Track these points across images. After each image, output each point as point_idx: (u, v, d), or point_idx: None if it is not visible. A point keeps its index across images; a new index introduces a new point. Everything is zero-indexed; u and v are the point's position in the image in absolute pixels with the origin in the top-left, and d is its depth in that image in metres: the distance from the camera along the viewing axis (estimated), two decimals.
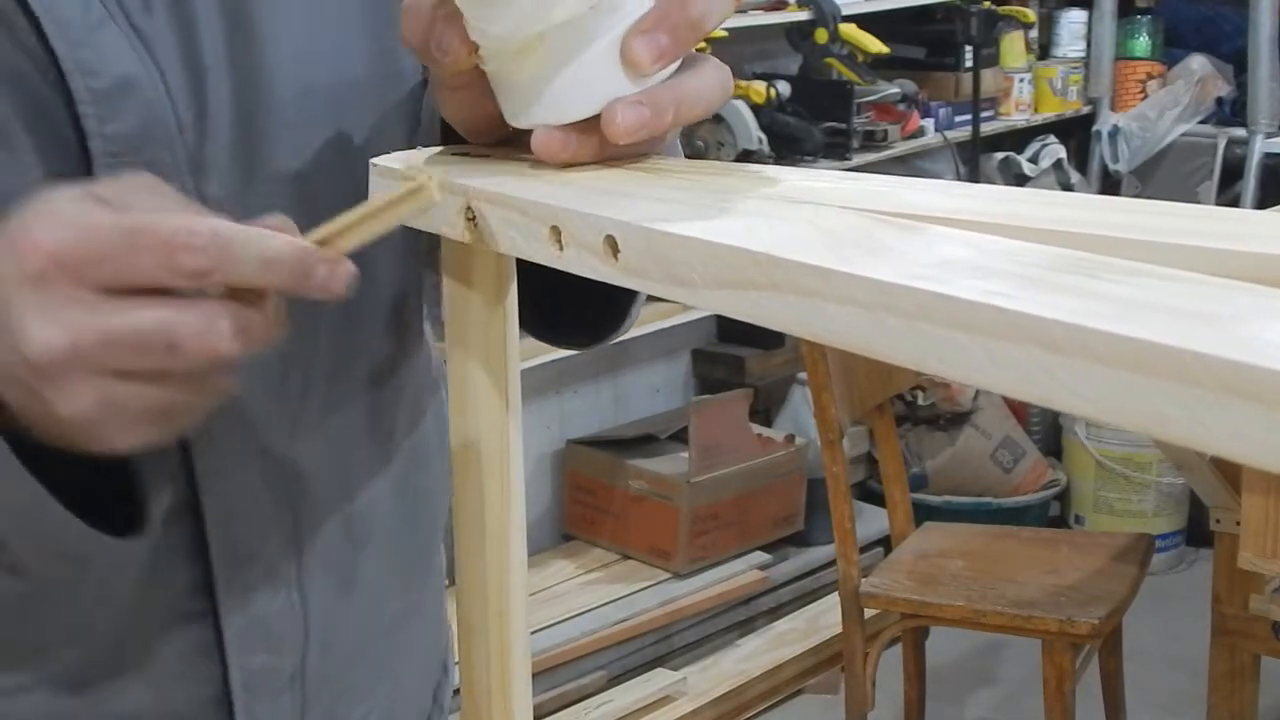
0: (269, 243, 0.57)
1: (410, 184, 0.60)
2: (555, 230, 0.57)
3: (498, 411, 0.68)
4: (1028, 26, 4.03)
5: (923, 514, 3.02)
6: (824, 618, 3.22)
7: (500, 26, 0.61)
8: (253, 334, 0.58)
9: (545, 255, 0.58)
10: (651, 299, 0.63)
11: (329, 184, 0.73)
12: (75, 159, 0.67)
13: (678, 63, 0.64)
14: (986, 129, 3.92)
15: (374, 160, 0.68)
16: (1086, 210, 0.55)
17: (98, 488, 0.65)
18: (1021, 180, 4.05)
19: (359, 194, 0.67)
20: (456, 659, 0.75)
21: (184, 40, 0.69)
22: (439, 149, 0.71)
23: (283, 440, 0.77)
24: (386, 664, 0.87)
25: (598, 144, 0.64)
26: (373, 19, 0.76)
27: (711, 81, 0.66)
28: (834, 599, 2.94)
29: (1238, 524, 2.03)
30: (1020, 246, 0.49)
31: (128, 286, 0.56)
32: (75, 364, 0.56)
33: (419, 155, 0.70)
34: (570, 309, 0.83)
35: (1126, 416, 0.40)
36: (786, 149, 3.35)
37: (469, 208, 0.62)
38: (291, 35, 0.73)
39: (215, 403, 0.61)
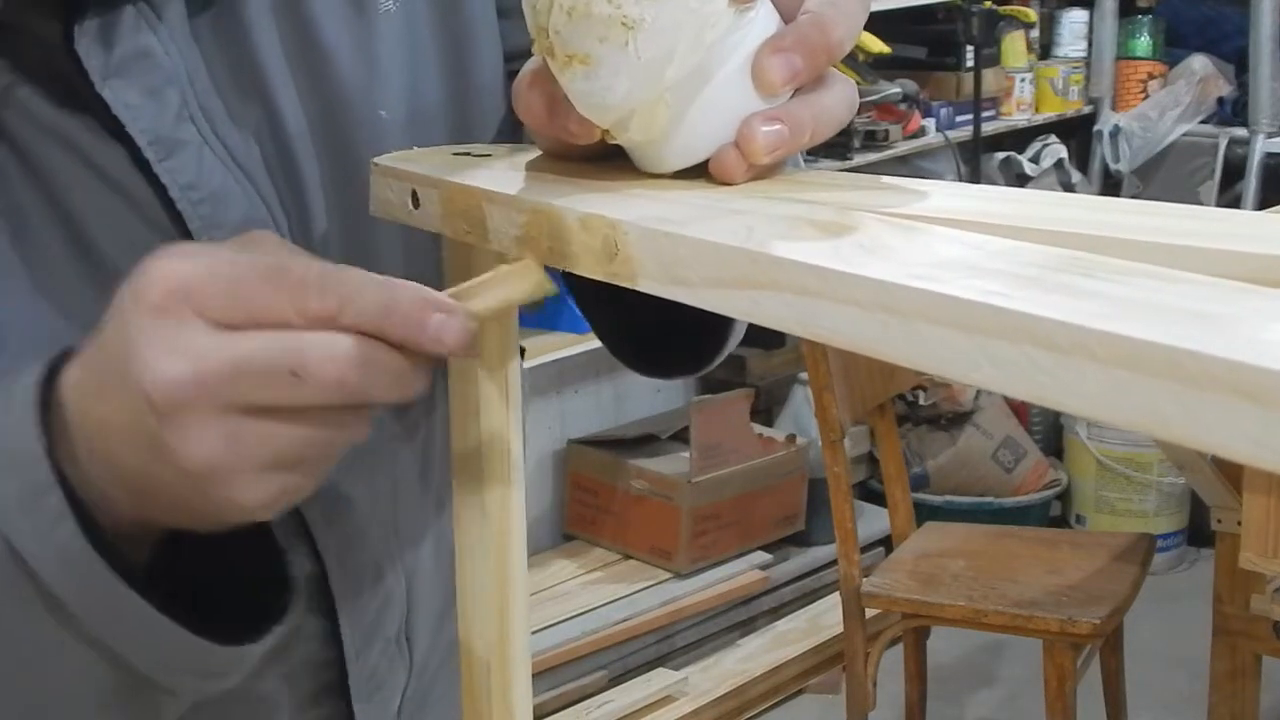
0: (393, 288, 0.55)
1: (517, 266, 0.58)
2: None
3: (498, 410, 0.68)
4: (1029, 26, 4.03)
5: (924, 514, 3.02)
6: (825, 617, 3.22)
7: (609, 116, 0.58)
8: (379, 368, 0.55)
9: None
10: None
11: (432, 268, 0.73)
12: None
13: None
14: (988, 129, 3.92)
15: (375, 160, 0.68)
16: (1084, 210, 0.55)
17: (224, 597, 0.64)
18: (1023, 180, 4.05)
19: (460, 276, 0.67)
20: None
21: (286, 165, 0.72)
22: (439, 148, 0.71)
23: (390, 496, 0.80)
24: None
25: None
26: (457, 99, 0.78)
27: (844, 99, 0.62)
28: (835, 599, 2.94)
29: (1239, 524, 2.03)
30: (1018, 246, 0.49)
31: (251, 324, 0.54)
32: (198, 397, 0.54)
33: (419, 154, 0.70)
34: (668, 339, 0.82)
35: (1123, 416, 0.40)
36: None
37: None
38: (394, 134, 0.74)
39: (345, 445, 0.57)
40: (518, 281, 0.58)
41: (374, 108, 0.74)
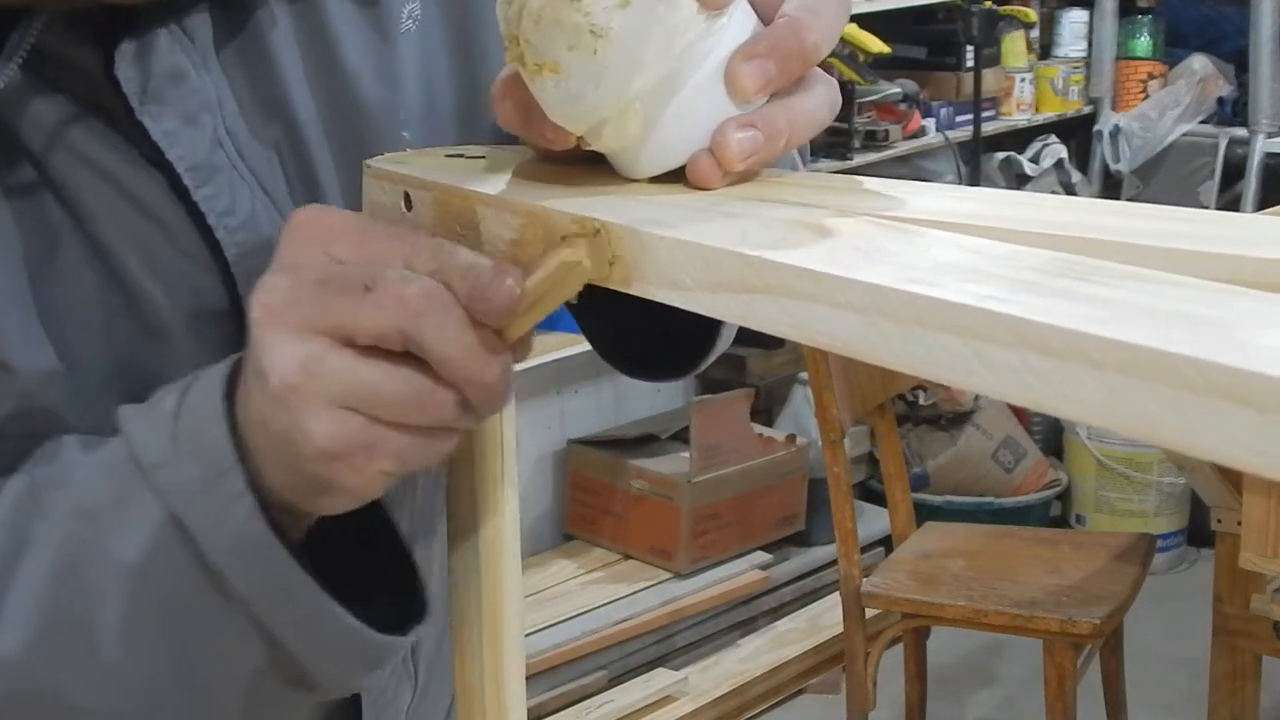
0: (482, 259, 0.58)
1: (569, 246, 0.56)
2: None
3: None
4: (1029, 26, 4.03)
5: (924, 514, 3.01)
6: (825, 617, 3.22)
7: (580, 123, 0.58)
8: (440, 307, 0.56)
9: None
10: None
11: None
12: (228, 330, 0.69)
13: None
14: (988, 129, 3.92)
15: (368, 161, 0.68)
16: (1080, 213, 0.55)
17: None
18: (1023, 180, 4.05)
19: None
20: None
21: (309, 188, 0.72)
22: (432, 150, 0.71)
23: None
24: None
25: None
26: (467, 110, 0.78)
27: (824, 100, 0.61)
28: (835, 599, 2.94)
29: (1239, 524, 2.03)
30: (1014, 250, 0.48)
31: (359, 260, 0.58)
32: (286, 307, 0.57)
33: (412, 156, 0.69)
34: (657, 341, 0.82)
35: (1119, 421, 0.39)
36: None
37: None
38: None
39: (423, 415, 0.58)
40: (555, 255, 0.57)
41: (397, 129, 0.74)
